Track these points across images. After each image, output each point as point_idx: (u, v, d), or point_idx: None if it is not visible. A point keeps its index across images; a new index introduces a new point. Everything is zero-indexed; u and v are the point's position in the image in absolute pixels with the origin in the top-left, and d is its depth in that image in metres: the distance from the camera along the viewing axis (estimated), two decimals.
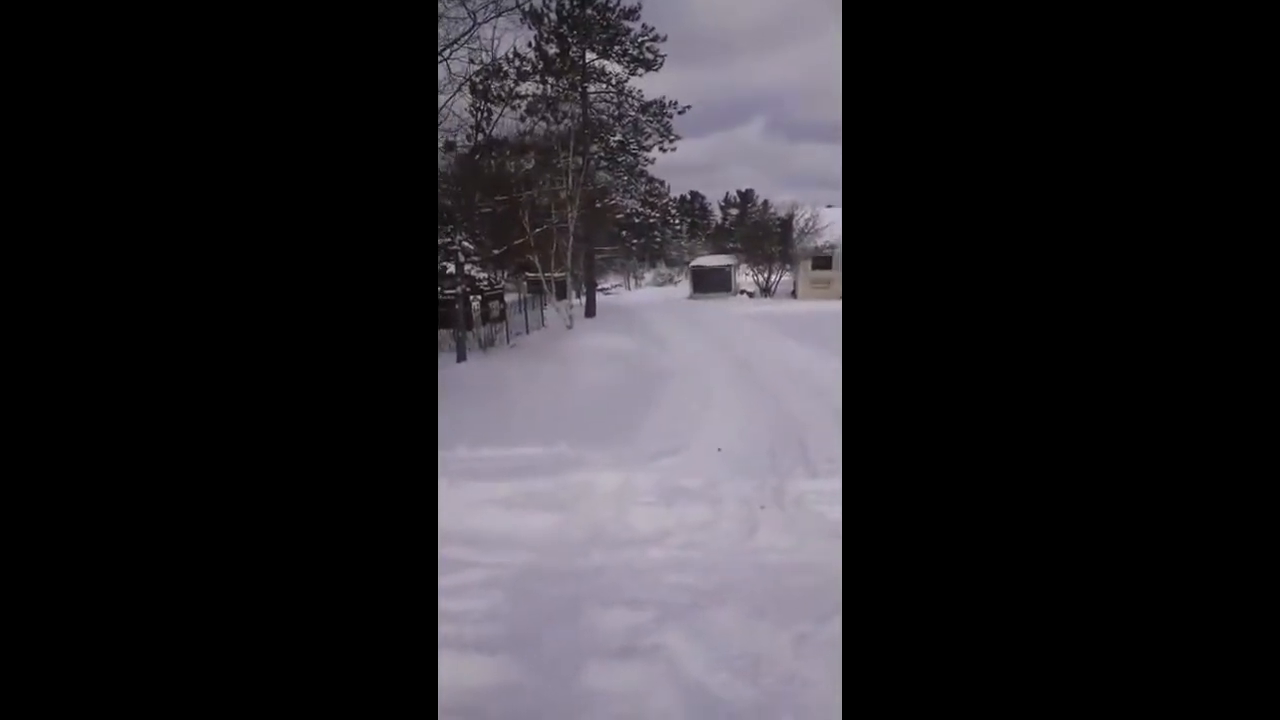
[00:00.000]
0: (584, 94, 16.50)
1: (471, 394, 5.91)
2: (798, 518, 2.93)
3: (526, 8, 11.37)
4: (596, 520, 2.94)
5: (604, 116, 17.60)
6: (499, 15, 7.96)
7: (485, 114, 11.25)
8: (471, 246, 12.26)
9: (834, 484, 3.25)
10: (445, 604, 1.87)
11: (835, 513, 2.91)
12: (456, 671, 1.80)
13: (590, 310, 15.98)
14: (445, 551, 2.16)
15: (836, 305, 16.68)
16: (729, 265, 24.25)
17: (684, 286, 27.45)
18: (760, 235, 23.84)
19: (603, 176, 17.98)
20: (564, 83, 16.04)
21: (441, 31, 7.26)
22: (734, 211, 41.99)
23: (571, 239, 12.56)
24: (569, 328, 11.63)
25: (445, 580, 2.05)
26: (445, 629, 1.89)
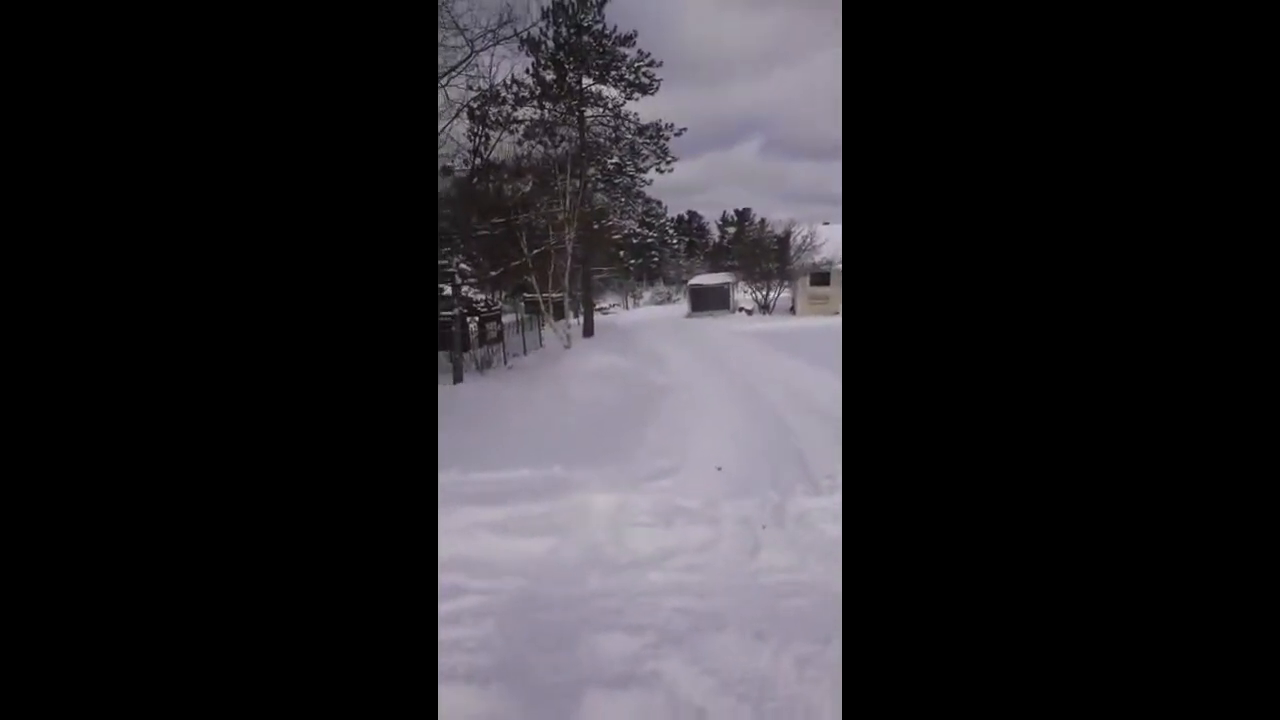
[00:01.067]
0: (581, 118, 16.73)
1: (468, 416, 5.86)
2: (800, 536, 2.88)
3: (524, 36, 11.59)
4: (594, 543, 2.88)
5: (601, 139, 17.81)
6: (497, 43, 8.08)
7: (483, 139, 11.40)
8: (469, 268, 12.32)
9: (836, 501, 3.20)
10: (439, 633, 1.81)
11: (838, 530, 2.86)
12: (450, 703, 1.73)
13: (588, 330, 15.99)
14: (439, 578, 2.10)
15: (835, 321, 16.73)
16: (727, 283, 24.36)
17: (682, 305, 27.55)
18: (758, 253, 23.99)
19: (600, 198, 18.13)
20: (561, 107, 16.27)
21: (440, 59, 7.37)
22: (731, 230, 42.42)
23: (569, 260, 12.62)
24: (567, 348, 11.62)
25: (439, 608, 1.99)
26: (439, 659, 1.84)
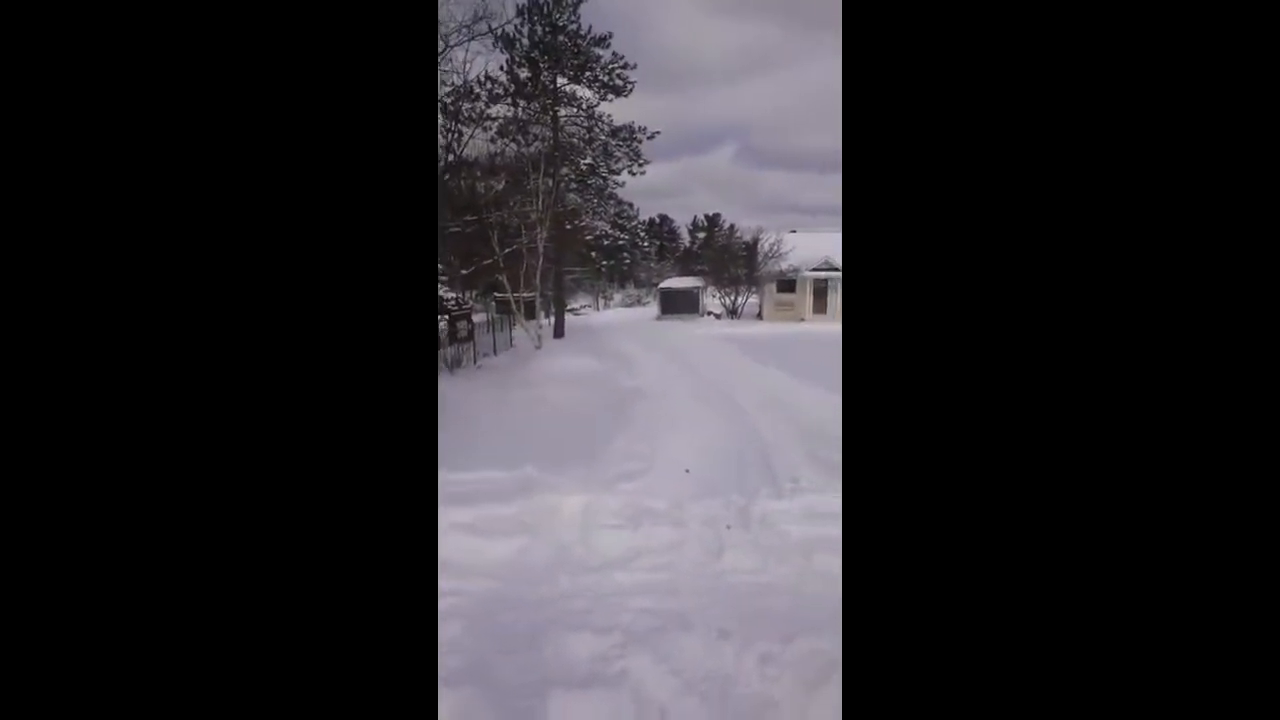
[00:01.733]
0: (555, 117, 16.66)
1: (439, 416, 5.80)
2: (763, 538, 2.97)
3: (499, 32, 11.51)
4: (563, 544, 2.91)
5: (574, 140, 17.77)
6: (471, 39, 8.09)
7: (456, 135, 11.28)
8: (440, 266, 12.14)
9: (799, 503, 3.31)
10: None
11: (800, 532, 2.96)
12: None
13: (559, 331, 15.93)
14: None
15: (800, 327, 17.07)
16: (696, 287, 24.56)
17: (652, 308, 27.65)
18: (726, 258, 24.26)
19: (573, 198, 18.08)
20: (535, 106, 16.20)
21: None
22: (701, 235, 42.79)
23: (541, 260, 12.57)
24: (538, 348, 11.57)
25: None
26: None
